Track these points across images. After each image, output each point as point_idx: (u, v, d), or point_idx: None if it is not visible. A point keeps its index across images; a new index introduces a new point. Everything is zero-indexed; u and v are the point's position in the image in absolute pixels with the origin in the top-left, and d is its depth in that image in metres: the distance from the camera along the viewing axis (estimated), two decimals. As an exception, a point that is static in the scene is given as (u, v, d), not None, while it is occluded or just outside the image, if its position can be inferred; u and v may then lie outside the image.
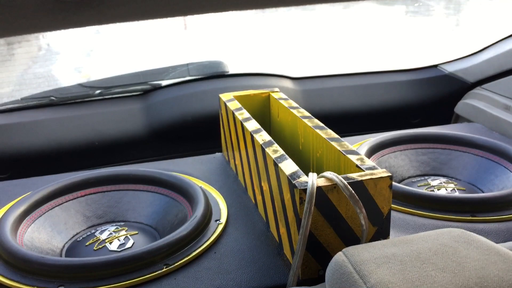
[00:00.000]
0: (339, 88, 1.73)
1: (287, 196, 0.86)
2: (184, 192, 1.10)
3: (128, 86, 1.65)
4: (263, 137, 1.02)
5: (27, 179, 1.25)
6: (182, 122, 1.58)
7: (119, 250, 1.00)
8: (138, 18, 0.48)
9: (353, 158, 0.91)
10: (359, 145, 1.29)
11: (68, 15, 0.42)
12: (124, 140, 1.55)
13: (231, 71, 1.78)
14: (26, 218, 1.03)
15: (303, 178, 0.84)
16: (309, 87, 1.72)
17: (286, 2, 0.63)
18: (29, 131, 1.50)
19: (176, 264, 0.90)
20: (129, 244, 1.02)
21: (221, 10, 0.49)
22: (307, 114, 1.15)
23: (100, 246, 1.02)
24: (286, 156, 0.93)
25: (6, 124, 1.49)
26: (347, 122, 1.64)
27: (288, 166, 0.88)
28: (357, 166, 0.89)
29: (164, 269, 0.88)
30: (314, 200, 0.79)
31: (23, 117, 1.53)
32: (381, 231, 0.86)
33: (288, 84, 1.71)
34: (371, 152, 1.25)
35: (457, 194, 1.18)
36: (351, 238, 0.85)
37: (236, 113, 1.16)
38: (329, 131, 1.04)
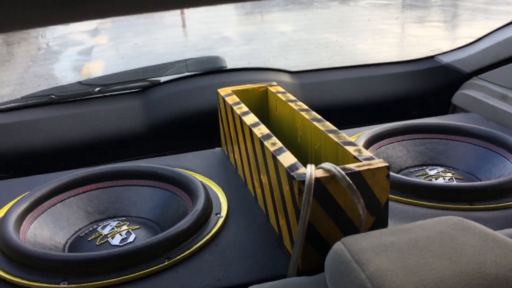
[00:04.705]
0: (336, 81, 1.73)
1: (286, 188, 0.87)
2: (184, 186, 1.10)
3: (127, 83, 1.66)
4: (261, 130, 1.03)
5: (29, 177, 1.25)
6: (181, 117, 1.58)
7: (121, 244, 1.01)
8: (135, 11, 0.48)
9: (350, 149, 0.92)
10: (357, 137, 1.30)
11: (64, 10, 0.43)
12: (124, 137, 1.55)
13: (229, 66, 1.78)
14: (29, 215, 1.04)
15: (302, 169, 0.84)
16: (306, 81, 1.72)
17: None
18: (30, 130, 1.51)
19: (177, 257, 0.90)
20: (131, 239, 1.03)
21: (215, 3, 0.49)
22: (305, 107, 1.15)
23: (103, 241, 1.03)
24: (285, 148, 0.94)
25: (6, 124, 1.50)
26: (344, 115, 1.65)
27: (287, 159, 0.89)
28: (354, 157, 0.89)
29: (165, 263, 0.89)
30: (312, 191, 0.80)
31: (23, 116, 1.53)
32: (379, 221, 0.87)
33: (285, 78, 1.71)
34: (368, 144, 1.26)
35: (455, 183, 1.18)
36: (350, 228, 0.85)
37: (235, 108, 1.17)
38: (327, 123, 1.05)
